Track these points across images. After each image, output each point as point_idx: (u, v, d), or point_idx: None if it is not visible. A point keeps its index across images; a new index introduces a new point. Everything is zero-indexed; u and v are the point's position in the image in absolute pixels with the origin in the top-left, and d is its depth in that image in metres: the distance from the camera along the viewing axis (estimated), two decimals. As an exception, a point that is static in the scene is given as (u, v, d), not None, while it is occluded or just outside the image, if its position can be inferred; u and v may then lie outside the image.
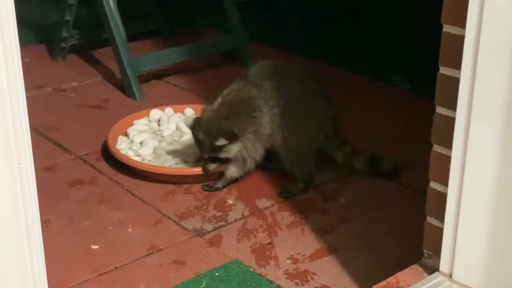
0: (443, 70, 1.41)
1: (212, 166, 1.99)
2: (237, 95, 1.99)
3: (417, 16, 3.15)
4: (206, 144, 1.96)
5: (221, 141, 1.93)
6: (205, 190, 2.04)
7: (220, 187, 2.04)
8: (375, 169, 2.10)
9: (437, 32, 1.41)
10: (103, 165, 2.18)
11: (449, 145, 1.41)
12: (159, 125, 2.35)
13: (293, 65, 2.15)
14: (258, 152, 2.00)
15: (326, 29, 3.37)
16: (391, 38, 3.24)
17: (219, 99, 2.00)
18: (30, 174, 1.09)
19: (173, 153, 2.19)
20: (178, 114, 2.41)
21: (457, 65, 1.35)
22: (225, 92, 2.01)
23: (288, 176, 2.05)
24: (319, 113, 2.04)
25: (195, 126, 2.00)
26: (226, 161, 2.00)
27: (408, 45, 3.12)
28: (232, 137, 1.94)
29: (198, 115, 2.09)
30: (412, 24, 3.25)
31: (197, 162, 2.13)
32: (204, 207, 1.98)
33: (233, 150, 1.96)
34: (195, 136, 2.00)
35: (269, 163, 2.10)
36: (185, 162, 2.15)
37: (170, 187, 2.07)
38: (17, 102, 1.04)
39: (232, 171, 2.03)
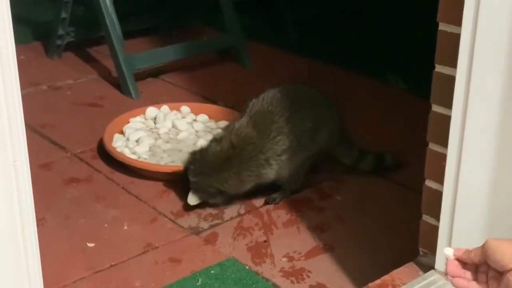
0: (439, 68, 1.41)
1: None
2: (246, 153, 1.90)
3: (414, 15, 3.16)
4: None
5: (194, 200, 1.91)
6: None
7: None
8: (381, 166, 2.12)
9: (433, 30, 1.41)
10: (99, 163, 2.18)
11: (444, 144, 1.41)
12: (155, 123, 2.35)
13: (302, 85, 2.07)
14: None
15: (323, 27, 3.37)
16: (387, 37, 3.24)
17: (226, 144, 1.90)
18: (26, 172, 1.09)
19: (169, 151, 2.19)
20: (174, 112, 2.41)
21: (453, 64, 1.35)
22: (234, 138, 1.91)
23: (272, 185, 2.02)
24: (324, 139, 2.01)
25: (190, 164, 1.94)
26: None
27: (405, 44, 3.12)
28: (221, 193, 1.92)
29: (198, 149, 1.98)
30: (408, 23, 3.26)
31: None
32: (200, 205, 1.98)
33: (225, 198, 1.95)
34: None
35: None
36: (181, 160, 2.15)
37: (166, 185, 2.07)
38: (12, 99, 1.03)
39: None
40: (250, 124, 1.93)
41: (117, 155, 2.11)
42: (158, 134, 2.28)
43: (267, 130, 1.92)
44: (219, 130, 2.21)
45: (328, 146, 2.04)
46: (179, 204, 1.98)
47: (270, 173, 1.95)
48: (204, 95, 2.67)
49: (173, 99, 2.53)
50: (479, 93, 1.32)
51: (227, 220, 1.91)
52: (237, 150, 1.90)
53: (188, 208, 1.93)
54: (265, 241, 1.82)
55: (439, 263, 1.49)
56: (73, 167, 2.16)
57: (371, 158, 2.11)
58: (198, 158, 1.92)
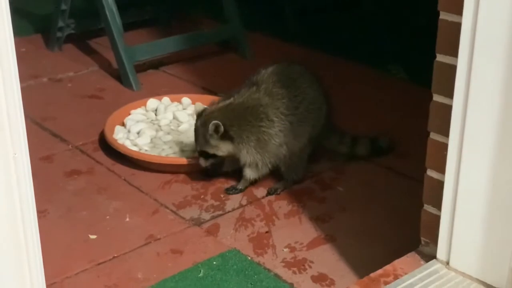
0: (440, 57, 1.41)
1: (205, 163, 1.96)
2: (245, 102, 1.95)
3: (415, 4, 3.14)
4: (200, 134, 1.94)
5: (213, 135, 1.90)
6: (229, 193, 1.99)
7: (242, 188, 2.00)
8: (376, 149, 2.14)
9: (435, 20, 1.40)
10: (100, 155, 2.18)
11: (446, 133, 1.41)
12: (156, 115, 2.35)
13: (301, 66, 2.07)
14: (268, 159, 1.96)
15: (323, 17, 3.36)
16: (388, 26, 3.23)
17: (228, 101, 1.97)
18: (25, 164, 1.09)
19: (170, 142, 2.19)
20: (175, 103, 2.41)
21: (454, 53, 1.35)
22: (235, 96, 1.97)
23: (274, 175, 2.03)
24: (323, 118, 2.03)
25: (198, 116, 1.98)
26: (218, 158, 1.96)
27: (405, 33, 3.11)
28: (224, 135, 1.90)
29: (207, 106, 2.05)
30: (409, 12, 3.24)
31: (194, 151, 2.13)
32: (202, 197, 1.98)
33: (223, 148, 1.93)
34: (195, 124, 1.99)
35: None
36: (182, 151, 2.15)
37: (168, 176, 2.07)
38: (12, 91, 1.03)
39: (249, 173, 1.98)
40: (253, 87, 1.96)
41: (118, 147, 2.11)
42: (159, 126, 2.28)
43: (272, 88, 1.95)
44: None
45: (323, 130, 2.04)
46: (180, 196, 1.98)
47: (273, 130, 1.92)
48: (205, 86, 2.67)
49: (174, 91, 2.53)
50: (480, 82, 1.31)
51: (228, 211, 1.91)
52: (236, 102, 1.94)
53: (200, 166, 1.97)
54: (266, 232, 1.82)
55: (441, 253, 1.49)
56: (75, 159, 2.17)
57: (365, 142, 2.13)
58: (200, 116, 1.96)
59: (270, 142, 1.94)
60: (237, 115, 1.93)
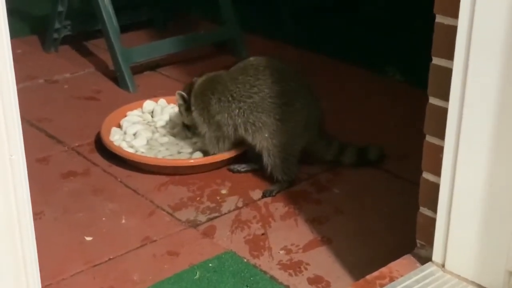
0: (436, 60, 1.41)
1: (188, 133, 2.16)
2: (210, 78, 2.08)
3: (411, 6, 3.15)
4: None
5: (180, 101, 2.11)
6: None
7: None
8: (363, 160, 2.10)
9: (431, 22, 1.41)
10: (96, 157, 2.18)
11: (442, 136, 1.41)
12: (152, 116, 2.35)
13: (286, 64, 2.09)
14: (214, 131, 2.05)
15: (320, 19, 3.36)
16: (384, 28, 3.23)
17: (202, 78, 2.12)
18: (22, 166, 1.09)
19: (167, 144, 2.19)
20: (172, 105, 2.40)
21: (450, 56, 1.35)
22: (210, 73, 2.12)
23: (270, 177, 2.03)
24: (304, 114, 2.01)
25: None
26: (193, 130, 2.13)
27: (402, 35, 3.11)
28: (185, 101, 2.09)
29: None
30: (406, 14, 3.25)
31: (191, 153, 2.13)
32: (198, 198, 1.98)
33: (184, 116, 2.12)
34: None
35: (248, 165, 2.10)
36: (179, 153, 2.15)
37: (164, 178, 2.07)
38: (8, 93, 1.03)
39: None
40: (225, 72, 2.09)
41: (114, 149, 2.11)
42: (156, 128, 2.28)
43: (234, 73, 2.06)
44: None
45: (311, 134, 2.04)
46: (176, 197, 1.98)
47: (215, 106, 2.02)
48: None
49: (170, 92, 2.52)
50: (476, 86, 1.32)
51: (225, 213, 1.91)
52: (202, 78, 2.10)
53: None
54: (263, 234, 1.82)
55: (436, 255, 1.49)
56: (71, 161, 2.16)
57: (352, 151, 2.10)
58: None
59: (215, 117, 2.03)
60: (198, 87, 2.07)
